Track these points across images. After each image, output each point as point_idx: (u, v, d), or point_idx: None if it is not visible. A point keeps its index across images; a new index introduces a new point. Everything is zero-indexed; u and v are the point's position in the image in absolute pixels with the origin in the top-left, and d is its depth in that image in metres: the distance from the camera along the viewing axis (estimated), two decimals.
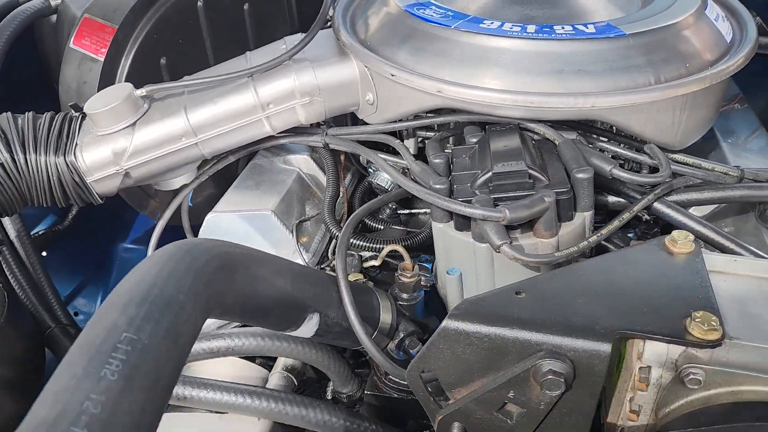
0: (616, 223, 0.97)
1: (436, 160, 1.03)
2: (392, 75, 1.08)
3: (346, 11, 1.30)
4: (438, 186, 0.97)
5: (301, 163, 1.31)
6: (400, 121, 1.17)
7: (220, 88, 1.20)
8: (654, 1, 1.18)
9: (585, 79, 1.02)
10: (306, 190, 1.29)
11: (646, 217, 1.17)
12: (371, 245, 1.13)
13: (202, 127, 1.19)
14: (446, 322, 0.77)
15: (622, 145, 1.11)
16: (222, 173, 1.32)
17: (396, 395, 1.04)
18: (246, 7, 1.54)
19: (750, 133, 1.39)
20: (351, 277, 1.12)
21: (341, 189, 1.30)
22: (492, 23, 1.09)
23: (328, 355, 1.07)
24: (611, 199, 1.09)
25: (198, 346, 1.04)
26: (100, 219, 1.68)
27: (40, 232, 1.60)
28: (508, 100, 1.00)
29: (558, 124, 1.06)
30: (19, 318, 1.31)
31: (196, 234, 1.25)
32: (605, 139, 1.12)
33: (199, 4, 1.44)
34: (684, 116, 1.07)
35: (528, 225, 0.95)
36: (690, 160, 1.12)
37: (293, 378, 1.10)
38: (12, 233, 1.45)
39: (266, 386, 1.08)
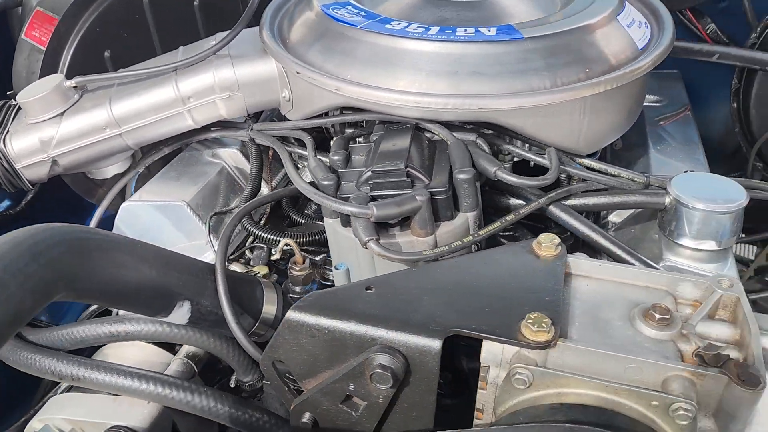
0: (497, 225, 0.98)
1: (335, 157, 1.05)
2: (297, 72, 1.11)
3: (278, 10, 1.33)
4: (325, 182, 0.99)
5: (230, 156, 1.34)
6: (314, 118, 1.19)
7: (145, 81, 1.24)
8: (572, 3, 1.18)
9: (480, 81, 1.03)
10: (231, 183, 1.32)
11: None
12: (274, 238, 1.15)
13: (125, 119, 1.23)
14: (289, 313, 0.79)
15: (529, 148, 1.11)
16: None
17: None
18: (196, 2, 1.58)
19: (683, 143, 1.38)
20: (258, 270, 1.15)
21: (269, 183, 1.33)
22: (399, 24, 1.10)
23: (226, 344, 1.09)
24: (513, 201, 1.10)
25: (99, 330, 1.08)
26: (54, 205, 1.73)
27: None
28: (401, 100, 1.02)
29: (465, 125, 1.08)
30: None
31: None
32: (519, 142, 1.12)
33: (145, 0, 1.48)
34: (585, 121, 1.07)
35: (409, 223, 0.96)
36: (597, 165, 1.13)
37: (193, 365, 1.12)
38: None
39: (164, 372, 1.11)
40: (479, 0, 1.22)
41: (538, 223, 1.17)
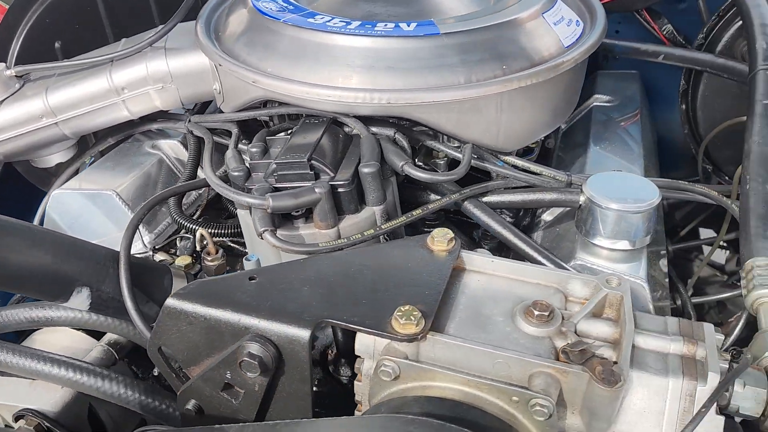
0: (402, 219, 0.98)
1: (252, 149, 1.06)
2: (219, 65, 1.11)
3: (220, 4, 1.34)
4: (235, 173, 0.99)
5: (170, 148, 1.36)
6: (243, 110, 1.20)
7: (82, 71, 1.26)
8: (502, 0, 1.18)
9: (394, 75, 1.03)
10: (169, 174, 1.33)
11: None
12: (194, 227, 1.16)
13: (61, 108, 1.24)
14: (168, 300, 0.80)
15: (448, 142, 1.11)
16: None
17: None
18: None
19: (623, 143, 1.37)
20: (181, 260, 1.16)
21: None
22: (322, 18, 1.11)
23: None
24: (433, 197, 1.11)
25: (21, 315, 1.09)
26: (12, 192, 1.75)
27: None
28: (312, 94, 1.02)
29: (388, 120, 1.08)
30: None
31: None
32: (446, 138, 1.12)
33: None
34: (503, 118, 1.07)
35: None
36: (520, 163, 1.12)
37: (114, 352, 1.14)
38: None
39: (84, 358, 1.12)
40: None
41: None
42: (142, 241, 1.21)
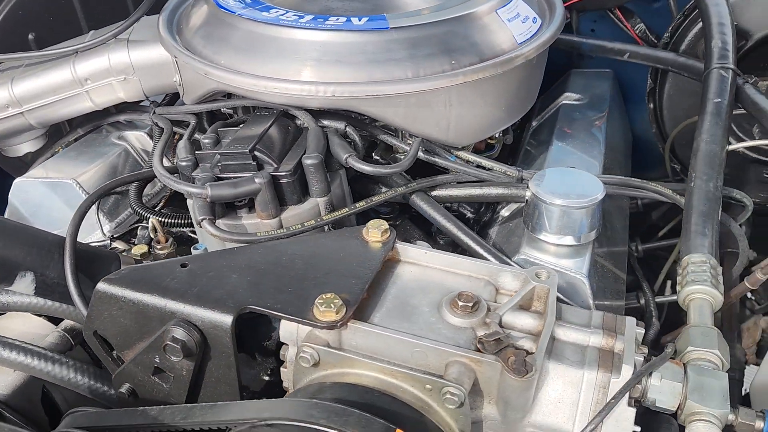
0: (343, 211, 0.99)
1: (205, 140, 1.07)
2: (175, 57, 1.13)
3: None
4: (183, 163, 1.01)
5: (136, 139, 1.37)
6: (201, 102, 1.21)
7: (47, 62, 1.28)
8: None
9: (342, 69, 1.04)
10: (134, 165, 1.35)
11: None
12: (147, 216, 1.18)
13: (26, 98, 1.27)
14: (99, 285, 0.82)
15: (398, 136, 1.12)
16: None
17: None
18: None
19: (586, 141, 1.37)
20: (137, 249, 1.18)
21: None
22: (276, 12, 1.12)
23: None
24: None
25: None
26: None
27: None
28: (260, 86, 1.04)
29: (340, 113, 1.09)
30: None
31: None
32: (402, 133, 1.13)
33: None
34: (453, 113, 1.08)
35: None
36: (471, 158, 1.13)
37: (70, 338, 1.15)
38: None
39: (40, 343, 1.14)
40: None
41: None
42: (102, 229, 1.22)
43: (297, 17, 1.10)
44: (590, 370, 0.75)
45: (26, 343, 1.09)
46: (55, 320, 1.24)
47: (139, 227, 1.27)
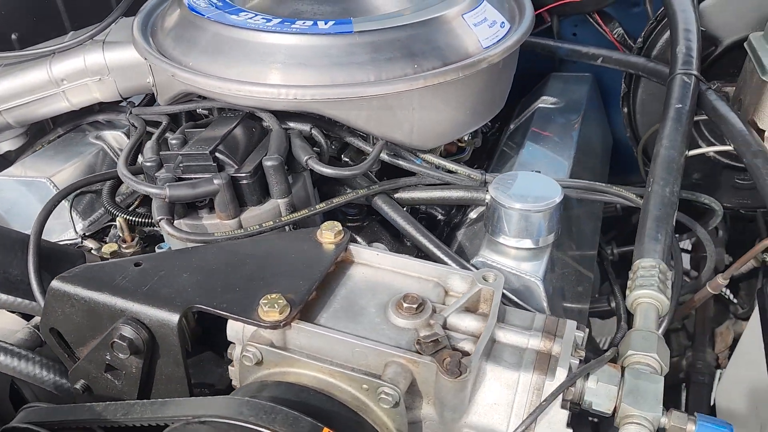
0: (303, 212, 1.01)
1: (172, 141, 1.08)
2: (145, 59, 1.15)
3: (164, 0, 1.37)
4: (147, 163, 1.03)
5: (114, 138, 1.40)
6: (173, 104, 1.23)
7: (24, 63, 1.30)
8: None
9: (305, 72, 1.05)
10: (111, 165, 1.37)
11: None
12: (117, 214, 1.19)
13: (3, 98, 1.29)
14: (53, 282, 0.84)
15: (368, 139, 1.14)
16: None
17: None
18: None
19: (557, 145, 1.38)
20: (107, 248, 1.20)
21: None
22: (245, 15, 1.14)
23: None
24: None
25: None
26: None
27: None
28: (225, 88, 1.05)
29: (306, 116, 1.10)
30: None
31: None
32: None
33: None
34: (416, 116, 1.09)
35: None
36: (436, 160, 1.15)
37: (39, 334, 1.18)
38: None
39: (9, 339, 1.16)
40: None
41: None
42: (74, 228, 1.25)
43: (264, 21, 1.11)
44: (526, 372, 0.76)
45: None
46: (27, 317, 1.26)
47: (112, 226, 1.29)
